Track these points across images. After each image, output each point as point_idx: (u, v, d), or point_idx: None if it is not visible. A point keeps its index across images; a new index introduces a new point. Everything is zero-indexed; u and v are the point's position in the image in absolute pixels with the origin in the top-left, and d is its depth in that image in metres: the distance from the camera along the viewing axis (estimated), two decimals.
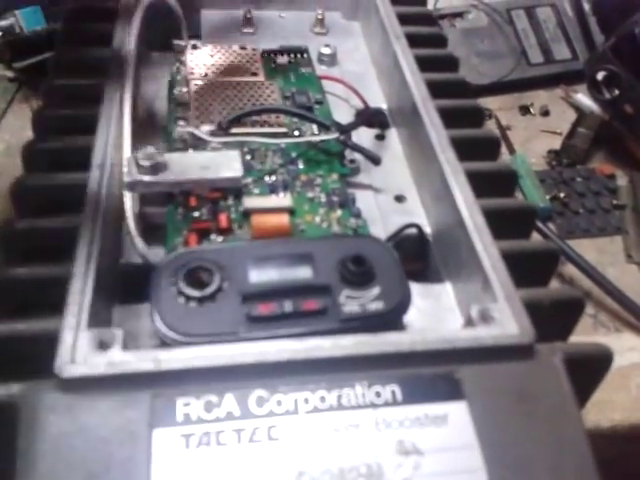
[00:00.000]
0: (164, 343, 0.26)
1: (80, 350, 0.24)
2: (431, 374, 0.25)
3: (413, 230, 0.35)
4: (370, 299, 0.27)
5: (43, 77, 0.39)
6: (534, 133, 0.64)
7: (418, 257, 0.35)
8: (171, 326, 0.25)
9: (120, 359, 0.24)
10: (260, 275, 0.27)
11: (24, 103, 0.60)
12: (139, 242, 0.32)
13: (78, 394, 0.23)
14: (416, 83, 0.38)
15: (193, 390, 0.23)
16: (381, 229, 0.34)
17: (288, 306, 0.26)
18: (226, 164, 0.33)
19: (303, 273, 0.28)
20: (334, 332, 0.26)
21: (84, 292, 0.26)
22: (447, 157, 0.33)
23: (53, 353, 0.24)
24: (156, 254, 0.31)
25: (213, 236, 0.31)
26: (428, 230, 0.35)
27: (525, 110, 0.66)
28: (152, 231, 0.33)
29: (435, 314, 0.31)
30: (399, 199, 0.37)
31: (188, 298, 0.26)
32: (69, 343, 0.24)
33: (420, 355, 0.25)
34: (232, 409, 0.23)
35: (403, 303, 0.27)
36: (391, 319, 0.27)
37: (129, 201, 0.32)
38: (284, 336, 0.26)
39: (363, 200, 0.35)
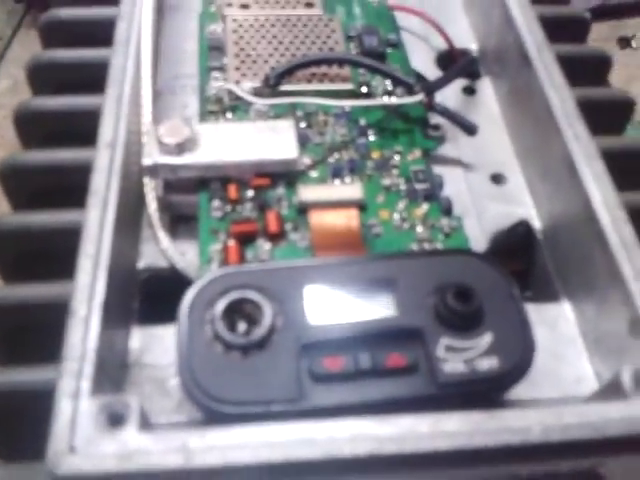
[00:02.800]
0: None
1: (81, 430, 0.17)
2: (568, 471, 0.18)
3: (512, 219, 0.27)
4: (479, 352, 0.19)
5: None
6: (636, 72, 0.53)
7: (519, 254, 0.27)
8: (203, 389, 0.18)
9: (136, 446, 0.17)
10: (324, 314, 0.20)
11: (32, 29, 0.51)
12: (164, 240, 0.25)
13: None
14: (527, 20, 0.29)
15: None
16: (474, 221, 0.26)
17: (364, 361, 0.19)
18: (276, 139, 0.25)
19: (384, 310, 0.20)
20: (427, 401, 0.19)
21: (86, 336, 0.19)
22: (576, 132, 0.25)
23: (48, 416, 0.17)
24: (184, 256, 0.24)
25: (260, 242, 0.23)
26: (536, 224, 0.27)
27: (625, 43, 0.54)
28: (180, 223, 0.26)
29: (551, 350, 0.23)
30: (496, 179, 0.28)
31: (228, 346, 0.19)
32: (66, 418, 0.17)
33: (555, 447, 0.18)
34: None
35: (526, 360, 0.19)
36: (508, 383, 0.19)
37: (150, 189, 0.25)
38: (360, 406, 0.18)
39: (449, 181, 0.27)
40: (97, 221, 0.21)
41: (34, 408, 0.19)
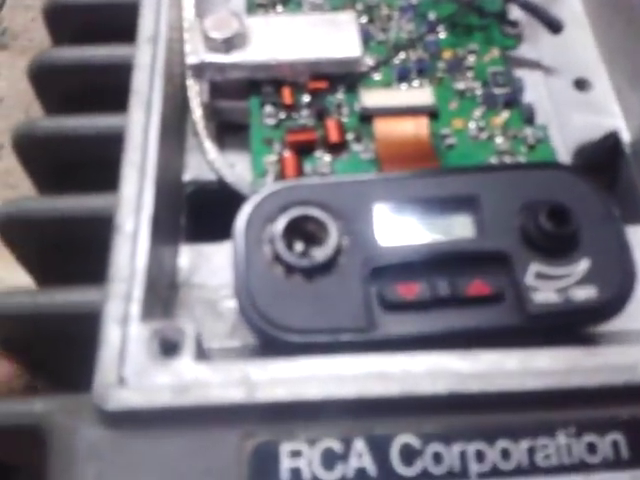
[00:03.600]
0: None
1: (131, 360, 0.15)
2: None
3: (598, 130, 0.24)
4: (574, 281, 0.17)
5: None
6: None
7: (603, 169, 0.24)
8: (264, 315, 0.17)
9: (193, 378, 0.15)
10: (396, 235, 0.18)
11: None
12: (211, 151, 0.22)
13: (130, 434, 0.15)
14: None
15: (304, 431, 0.15)
16: (555, 132, 0.23)
17: (443, 288, 0.17)
18: (336, 35, 0.22)
19: (463, 231, 0.18)
20: (515, 333, 0.17)
21: (135, 253, 0.17)
22: None
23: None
24: (233, 168, 0.22)
25: (319, 153, 0.21)
26: (624, 136, 0.24)
27: None
28: (228, 132, 0.24)
29: None
30: (580, 85, 0.25)
31: (290, 269, 0.17)
32: (114, 346, 0.16)
33: None
34: (365, 464, 0.15)
35: (626, 289, 0.17)
36: (606, 316, 0.17)
37: (194, 92, 0.22)
38: (437, 338, 0.17)
39: (528, 87, 0.24)
40: (141, 125, 0.18)
41: (79, 333, 0.17)
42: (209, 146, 0.22)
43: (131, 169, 0.18)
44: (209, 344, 0.19)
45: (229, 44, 0.21)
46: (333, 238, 0.17)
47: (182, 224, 0.22)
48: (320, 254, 0.17)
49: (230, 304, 0.20)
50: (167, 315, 0.19)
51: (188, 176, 0.23)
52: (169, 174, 0.21)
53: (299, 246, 0.17)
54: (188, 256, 0.21)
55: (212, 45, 0.21)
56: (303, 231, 0.18)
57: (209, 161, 0.22)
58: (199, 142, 0.23)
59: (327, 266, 0.17)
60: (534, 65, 0.25)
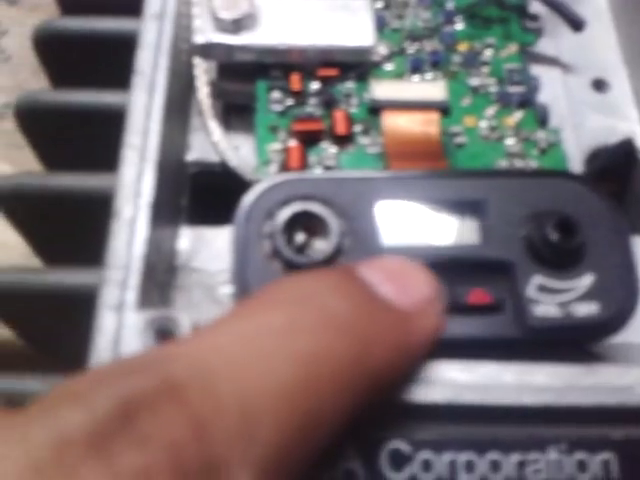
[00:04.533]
0: None
1: (126, 347, 0.15)
2: None
3: (613, 134, 0.23)
4: (577, 295, 0.17)
5: None
6: None
7: (614, 176, 0.24)
8: None
9: None
10: (399, 235, 0.17)
11: None
12: (216, 132, 0.22)
13: None
14: None
15: None
16: (569, 134, 0.23)
17: (444, 293, 0.17)
18: (349, 21, 0.21)
19: (467, 237, 0.17)
20: (513, 345, 0.17)
21: (132, 240, 0.17)
22: None
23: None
24: (237, 151, 0.22)
25: (324, 144, 0.20)
26: None
27: None
28: (234, 113, 0.23)
29: None
30: (598, 85, 0.24)
31: (288, 265, 0.17)
32: (109, 333, 0.15)
33: None
34: (354, 466, 0.15)
35: (628, 307, 0.17)
36: (607, 333, 0.17)
37: (201, 71, 0.22)
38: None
39: (545, 84, 0.23)
40: (143, 107, 0.18)
41: (78, 312, 0.17)
42: (214, 127, 0.22)
43: (131, 153, 0.17)
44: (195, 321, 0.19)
45: (238, 25, 0.20)
46: (334, 236, 0.17)
47: (183, 205, 0.22)
48: (320, 252, 0.17)
49: (228, 290, 0.20)
50: (164, 300, 0.19)
51: (192, 156, 0.22)
52: (171, 155, 0.20)
53: (299, 241, 0.17)
54: (188, 239, 0.21)
55: (221, 25, 0.20)
56: (304, 227, 0.17)
57: (213, 142, 0.22)
58: (204, 122, 0.22)
59: (326, 264, 0.17)
60: (552, 62, 0.24)
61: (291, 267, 0.17)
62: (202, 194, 0.22)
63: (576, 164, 0.22)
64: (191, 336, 0.12)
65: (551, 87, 0.24)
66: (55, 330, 0.18)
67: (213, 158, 0.22)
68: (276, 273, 0.17)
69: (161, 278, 0.18)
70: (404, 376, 0.14)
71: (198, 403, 0.10)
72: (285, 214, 0.17)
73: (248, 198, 0.17)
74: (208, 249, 0.20)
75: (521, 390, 0.15)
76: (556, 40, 0.25)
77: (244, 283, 0.17)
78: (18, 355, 0.25)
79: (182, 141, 0.22)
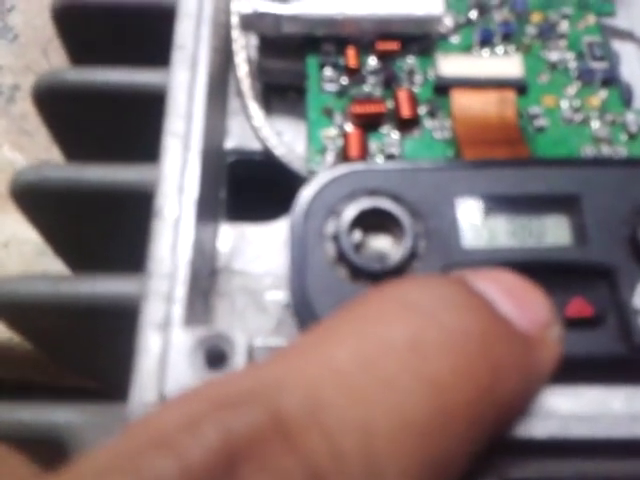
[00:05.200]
0: None
1: (173, 373, 0.13)
2: None
3: None
4: None
5: None
6: None
7: None
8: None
9: None
10: (481, 236, 0.15)
11: None
12: (257, 115, 0.19)
13: None
14: None
15: None
16: None
17: None
18: None
19: (560, 238, 0.15)
20: (617, 364, 0.14)
21: (176, 244, 0.14)
22: None
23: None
24: (281, 137, 0.19)
25: (385, 129, 0.18)
26: None
27: None
28: (276, 95, 0.21)
29: None
30: None
31: (356, 271, 0.15)
32: (154, 356, 0.13)
33: None
34: None
35: None
36: None
37: (240, 46, 0.19)
38: None
39: (623, 61, 0.21)
40: (186, 87, 0.16)
41: (108, 327, 0.15)
42: (255, 110, 0.20)
43: (174, 141, 0.15)
44: (251, 341, 0.17)
45: None
46: (408, 238, 0.15)
47: (222, 198, 0.19)
48: (393, 256, 0.15)
49: (275, 295, 0.18)
50: (206, 309, 0.17)
51: (230, 143, 0.20)
52: (213, 143, 0.18)
53: (368, 244, 0.15)
54: (229, 237, 0.18)
55: None
56: (373, 227, 0.15)
57: (254, 127, 0.19)
58: (243, 104, 0.20)
59: (400, 270, 0.15)
60: (627, 35, 0.22)
61: (359, 274, 0.15)
62: (243, 186, 0.20)
63: None
64: (296, 351, 0.10)
65: (628, 65, 0.21)
66: (82, 344, 0.16)
67: (254, 146, 0.19)
68: (341, 281, 0.15)
69: (204, 285, 0.16)
70: (525, 409, 0.12)
71: (315, 447, 0.08)
72: (351, 212, 0.15)
73: (306, 193, 0.15)
74: (251, 248, 0.18)
75: (634, 419, 0.13)
76: (630, 13, 0.22)
77: (303, 292, 0.14)
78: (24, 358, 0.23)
79: (221, 126, 0.20)
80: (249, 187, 0.20)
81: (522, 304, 0.12)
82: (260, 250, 0.18)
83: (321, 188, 0.15)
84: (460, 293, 0.11)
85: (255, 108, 0.20)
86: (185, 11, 0.17)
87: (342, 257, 0.15)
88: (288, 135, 0.20)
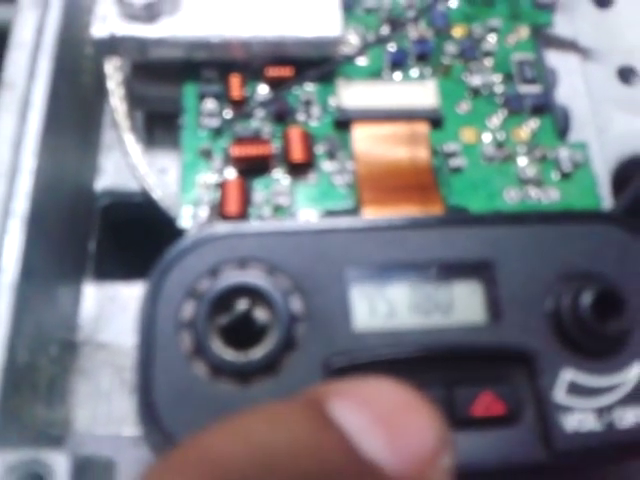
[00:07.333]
0: None
1: None
2: None
3: None
4: (622, 395, 0.12)
5: None
6: None
7: None
8: (171, 435, 0.11)
9: None
10: (374, 316, 0.12)
11: None
12: (134, 151, 0.17)
13: None
14: None
15: None
16: (592, 138, 0.18)
17: (437, 401, 0.12)
18: (308, 4, 0.16)
19: (469, 315, 0.12)
20: (534, 471, 0.12)
21: None
22: None
23: None
24: (164, 175, 0.17)
25: (277, 173, 0.15)
26: None
27: None
28: (164, 127, 0.18)
29: None
30: (625, 76, 0.19)
31: (218, 369, 0.12)
32: None
33: None
34: None
35: None
36: None
37: (113, 68, 0.16)
38: None
39: (562, 76, 0.18)
40: (11, 139, 0.13)
41: None
42: (131, 144, 0.17)
43: None
44: (120, 429, 0.14)
45: (153, 10, 0.15)
46: (282, 324, 0.12)
47: (91, 251, 0.17)
48: (261, 348, 0.12)
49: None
50: (54, 400, 0.14)
51: (102, 183, 0.17)
52: (67, 184, 0.15)
53: (234, 330, 0.12)
54: (95, 300, 0.16)
55: (128, 11, 0.15)
56: (239, 309, 0.12)
57: (131, 165, 0.17)
58: (119, 137, 0.17)
59: (271, 366, 0.12)
60: (569, 46, 0.19)
61: (221, 371, 0.12)
62: (118, 232, 0.17)
63: (602, 182, 0.17)
64: None
65: (568, 79, 0.18)
66: None
67: (132, 186, 0.17)
68: (199, 381, 0.12)
69: (48, 372, 0.13)
70: None
71: None
72: (213, 292, 0.12)
73: (158, 268, 0.12)
74: (121, 315, 0.15)
75: None
76: (573, 17, 0.20)
77: (151, 400, 0.12)
78: None
79: (90, 164, 0.17)
80: (127, 234, 0.17)
81: (397, 435, 0.09)
82: (132, 316, 0.15)
83: (176, 260, 0.12)
84: (305, 429, 0.09)
85: (132, 141, 0.17)
86: (18, 40, 0.14)
87: (200, 349, 0.12)
88: (172, 173, 0.17)
